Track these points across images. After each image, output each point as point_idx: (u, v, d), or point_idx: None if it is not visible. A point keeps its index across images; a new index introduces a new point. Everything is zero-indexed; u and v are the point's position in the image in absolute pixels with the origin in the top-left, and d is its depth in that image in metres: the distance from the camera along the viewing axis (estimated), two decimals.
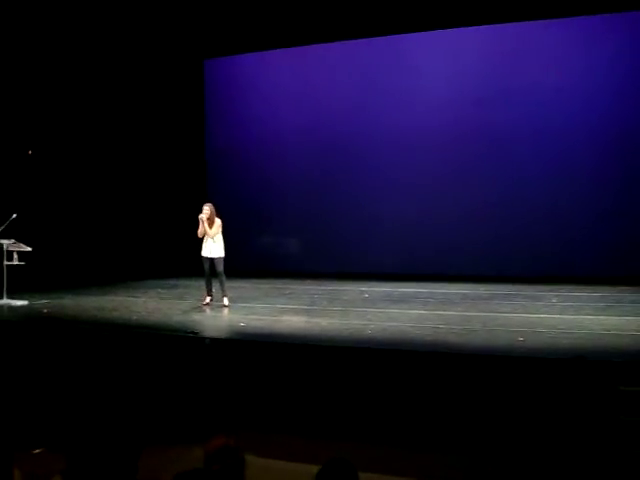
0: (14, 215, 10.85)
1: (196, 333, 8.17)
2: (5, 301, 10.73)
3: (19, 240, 10.89)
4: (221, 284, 10.49)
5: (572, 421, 5.81)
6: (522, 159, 13.50)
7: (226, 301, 10.47)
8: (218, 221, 10.48)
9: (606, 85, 12.91)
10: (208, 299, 10.62)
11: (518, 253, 13.30)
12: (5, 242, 10.80)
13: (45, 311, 10.24)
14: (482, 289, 12.16)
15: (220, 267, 10.42)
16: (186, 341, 7.92)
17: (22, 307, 10.65)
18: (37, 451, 5.35)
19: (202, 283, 10.94)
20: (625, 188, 12.77)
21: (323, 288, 12.82)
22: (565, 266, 12.92)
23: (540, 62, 13.34)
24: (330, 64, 15.10)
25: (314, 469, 2.81)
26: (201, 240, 10.49)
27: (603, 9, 12.57)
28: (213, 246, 10.42)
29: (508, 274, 13.09)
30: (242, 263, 13.84)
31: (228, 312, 10.12)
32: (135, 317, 9.53)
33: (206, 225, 10.34)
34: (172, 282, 13.91)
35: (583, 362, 6.13)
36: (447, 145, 13.90)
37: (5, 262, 10.82)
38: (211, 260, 10.44)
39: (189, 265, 12.88)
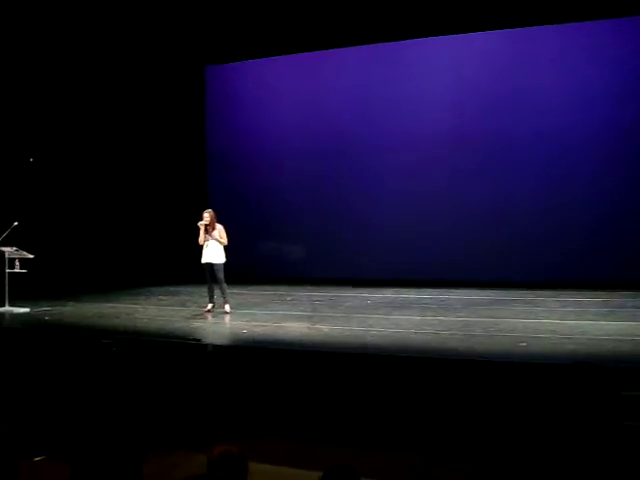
0: (15, 223, 10.87)
1: (198, 340, 8.18)
2: (7, 308, 10.75)
3: (21, 248, 10.91)
4: (222, 291, 10.49)
5: (574, 426, 5.81)
6: (522, 165, 13.52)
7: (227, 308, 10.47)
8: (219, 226, 10.49)
9: (608, 89, 12.91)
10: (210, 306, 10.61)
11: (519, 258, 13.30)
12: (7, 250, 10.82)
13: (47, 318, 10.24)
14: (483, 295, 12.16)
15: (220, 274, 10.42)
16: (188, 348, 7.92)
17: (24, 314, 10.66)
18: (39, 459, 5.34)
19: (203, 290, 10.96)
20: (627, 193, 12.78)
21: (325, 294, 12.82)
22: (566, 271, 12.91)
23: (541, 67, 13.36)
24: (331, 70, 15.13)
25: (317, 475, 2.81)
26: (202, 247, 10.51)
27: (605, 14, 12.60)
28: (212, 252, 10.42)
29: (509, 279, 13.07)
30: (243, 270, 13.84)
31: (230, 319, 10.12)
32: (137, 324, 9.53)
33: (202, 232, 10.36)
34: (173, 289, 13.91)
35: (585, 367, 6.13)
36: (448, 151, 13.92)
37: (7, 269, 10.84)
38: (211, 266, 10.44)
39: (190, 272, 12.88)
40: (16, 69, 13.11)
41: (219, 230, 10.46)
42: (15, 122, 13.25)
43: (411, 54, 14.50)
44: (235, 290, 11.85)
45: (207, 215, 10.44)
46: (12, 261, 10.87)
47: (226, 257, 10.51)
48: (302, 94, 15.38)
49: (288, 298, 12.47)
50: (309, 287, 13.77)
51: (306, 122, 15.31)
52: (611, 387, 5.92)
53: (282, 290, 13.48)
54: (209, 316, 10.37)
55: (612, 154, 12.90)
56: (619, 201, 12.81)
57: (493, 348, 7.42)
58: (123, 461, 2.37)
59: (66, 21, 13.41)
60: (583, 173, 13.08)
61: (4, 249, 10.82)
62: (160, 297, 12.74)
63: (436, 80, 14.14)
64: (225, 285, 10.48)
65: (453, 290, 12.72)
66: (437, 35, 13.97)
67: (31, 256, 10.90)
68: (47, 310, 10.98)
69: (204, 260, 10.48)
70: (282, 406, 6.83)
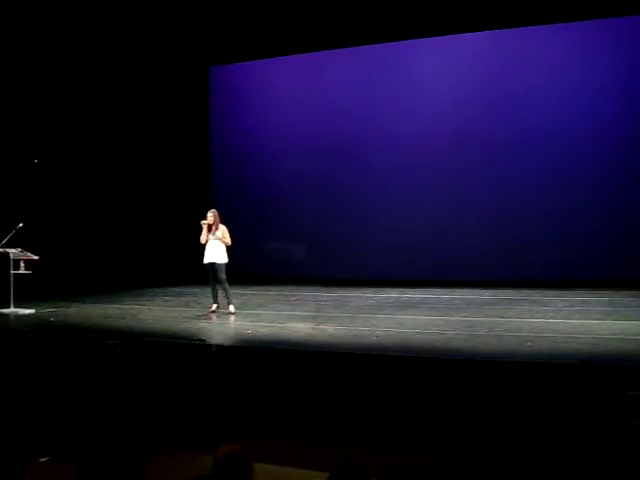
0: (20, 224, 10.89)
1: (203, 340, 8.19)
2: (12, 309, 10.77)
3: (26, 249, 10.93)
4: (225, 291, 10.48)
5: (579, 425, 5.80)
6: (526, 164, 13.50)
7: (232, 308, 10.47)
8: (223, 227, 10.51)
9: (609, 89, 12.89)
10: (214, 306, 10.63)
11: (524, 258, 13.27)
12: (12, 251, 10.84)
13: (52, 319, 10.26)
14: (488, 294, 12.16)
15: (222, 274, 10.42)
16: (193, 348, 7.93)
17: (29, 315, 10.68)
18: (44, 460, 5.35)
19: (207, 291, 10.97)
20: (632, 192, 12.75)
21: (329, 294, 12.83)
22: (571, 271, 12.88)
23: (542, 67, 13.35)
24: (333, 71, 15.13)
25: (322, 476, 2.81)
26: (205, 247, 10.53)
27: (604, 14, 12.58)
28: (215, 252, 10.42)
29: (514, 279, 13.06)
30: (248, 270, 13.86)
31: (234, 319, 10.13)
32: (142, 325, 9.55)
33: (205, 230, 10.38)
34: (178, 290, 13.93)
35: (590, 367, 6.12)
36: (451, 150, 13.90)
37: (12, 271, 10.86)
38: (213, 266, 10.45)
39: (195, 272, 12.89)
40: (20, 71, 13.14)
41: (222, 230, 10.47)
42: (19, 124, 13.27)
43: (413, 54, 14.49)
44: (239, 290, 11.85)
45: (211, 215, 10.46)
46: (17, 262, 10.89)
47: (230, 257, 10.51)
48: (306, 94, 15.38)
49: (292, 298, 12.47)
50: (313, 287, 13.78)
51: (310, 122, 15.31)
52: (616, 386, 5.91)
53: (286, 290, 13.49)
54: (214, 316, 10.38)
55: (614, 154, 12.88)
56: (625, 200, 12.78)
57: (498, 348, 7.41)
58: (128, 462, 2.38)
59: (70, 23, 13.43)
60: (590, 172, 13.03)
61: (9, 250, 10.83)
62: (165, 298, 12.76)
63: (438, 80, 14.13)
64: (227, 285, 10.47)
65: (457, 290, 12.71)
66: (439, 35, 13.96)
67: (36, 257, 10.92)
68: (52, 311, 11.00)
69: (206, 260, 10.49)
70: (287, 406, 6.83)
